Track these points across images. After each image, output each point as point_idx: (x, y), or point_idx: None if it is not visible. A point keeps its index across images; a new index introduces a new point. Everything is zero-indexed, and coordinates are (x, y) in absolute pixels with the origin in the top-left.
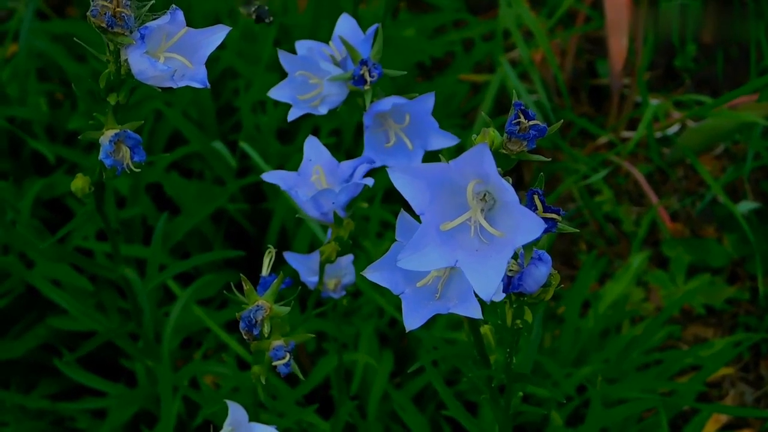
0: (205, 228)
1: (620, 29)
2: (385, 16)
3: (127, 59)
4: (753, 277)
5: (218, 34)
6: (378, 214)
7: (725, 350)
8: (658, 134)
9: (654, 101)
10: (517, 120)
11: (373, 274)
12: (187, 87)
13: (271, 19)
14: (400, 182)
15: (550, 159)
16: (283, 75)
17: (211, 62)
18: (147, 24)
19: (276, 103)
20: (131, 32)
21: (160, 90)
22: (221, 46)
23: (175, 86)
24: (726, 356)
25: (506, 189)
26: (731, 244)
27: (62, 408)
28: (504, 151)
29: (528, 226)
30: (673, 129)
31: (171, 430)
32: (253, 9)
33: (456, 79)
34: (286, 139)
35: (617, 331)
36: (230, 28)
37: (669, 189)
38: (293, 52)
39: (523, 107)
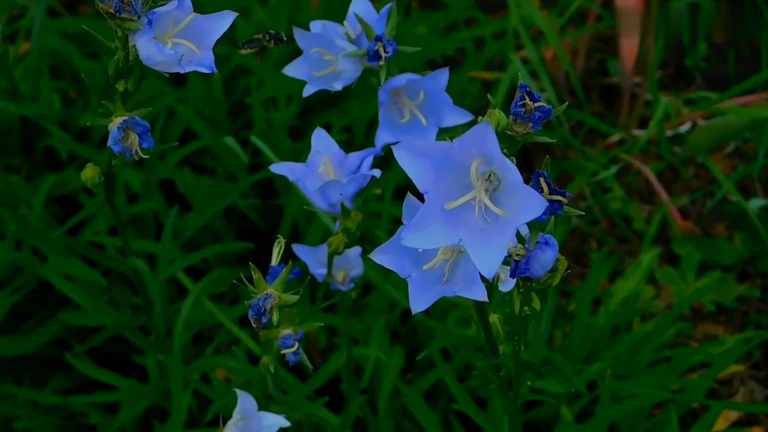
0: (216, 224)
1: (631, 28)
2: (396, 13)
3: (134, 45)
4: (763, 275)
5: (225, 20)
6: (389, 210)
7: (735, 348)
8: (669, 133)
9: (665, 100)
10: (523, 101)
11: (380, 257)
12: (200, 84)
13: (284, 36)
14: (404, 161)
15: (555, 140)
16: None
17: (224, 59)
18: (154, 9)
19: (288, 100)
20: (139, 18)
21: (167, 75)
22: (234, 43)
23: (182, 71)
24: (736, 354)
25: (510, 168)
26: (742, 241)
27: (74, 402)
28: (510, 133)
29: (530, 204)
30: (685, 127)
31: (182, 424)
32: (267, 38)
33: (467, 77)
34: (297, 136)
35: (628, 329)
36: (237, 14)
37: (680, 187)
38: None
39: (528, 89)
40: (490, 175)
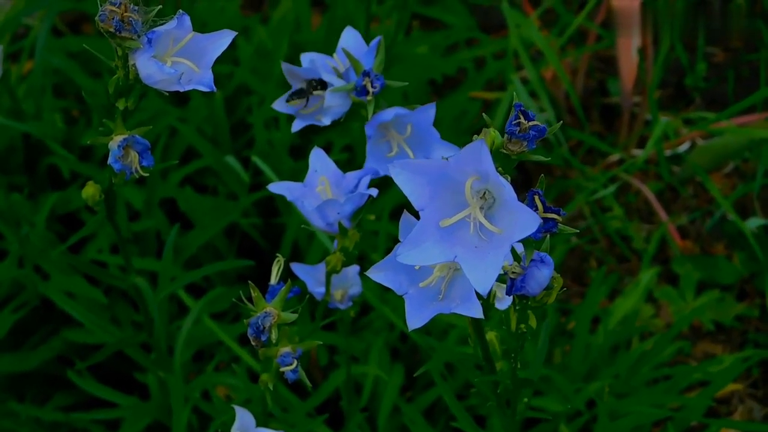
0: (218, 242)
1: (631, 48)
2: (396, 33)
3: (135, 63)
4: (762, 294)
5: (224, 39)
6: (386, 228)
7: (734, 366)
8: (668, 152)
9: (664, 119)
10: (517, 120)
11: (377, 274)
12: (202, 104)
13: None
14: (400, 178)
15: (549, 158)
16: None
17: (225, 79)
18: (154, 29)
19: (289, 119)
20: (139, 36)
21: (168, 94)
22: (235, 63)
23: (182, 90)
24: (735, 372)
25: (504, 186)
26: (740, 261)
27: (76, 419)
28: (504, 152)
29: (525, 221)
30: (684, 147)
31: None
32: (314, 84)
33: (467, 97)
34: (298, 156)
35: (627, 347)
36: (235, 33)
37: (679, 206)
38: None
39: (522, 108)
40: (485, 192)
